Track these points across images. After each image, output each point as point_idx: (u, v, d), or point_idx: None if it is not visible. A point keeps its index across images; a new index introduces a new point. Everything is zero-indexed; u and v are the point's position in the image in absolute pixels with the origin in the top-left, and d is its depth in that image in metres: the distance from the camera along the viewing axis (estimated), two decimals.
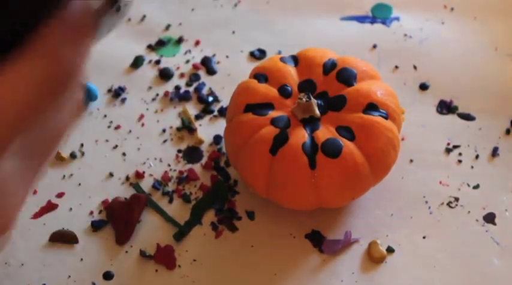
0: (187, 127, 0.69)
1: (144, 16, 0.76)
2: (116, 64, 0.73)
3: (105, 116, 0.70)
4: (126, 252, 0.62)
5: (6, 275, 0.61)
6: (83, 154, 0.68)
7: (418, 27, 0.74)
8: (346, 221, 0.63)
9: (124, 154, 0.68)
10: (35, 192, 0.66)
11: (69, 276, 0.61)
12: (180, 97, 0.71)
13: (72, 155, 0.67)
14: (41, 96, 0.34)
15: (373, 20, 0.75)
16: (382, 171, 0.61)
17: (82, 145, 0.68)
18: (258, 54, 0.73)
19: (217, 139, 0.68)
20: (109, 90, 0.71)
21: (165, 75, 0.72)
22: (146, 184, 0.66)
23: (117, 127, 0.69)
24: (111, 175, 0.66)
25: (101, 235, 0.63)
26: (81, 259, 0.62)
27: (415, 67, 0.72)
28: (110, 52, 0.73)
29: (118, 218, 0.64)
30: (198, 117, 0.69)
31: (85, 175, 0.66)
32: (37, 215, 0.64)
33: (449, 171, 0.66)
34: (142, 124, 0.69)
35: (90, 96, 0.69)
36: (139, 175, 0.66)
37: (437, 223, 0.63)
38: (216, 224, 0.64)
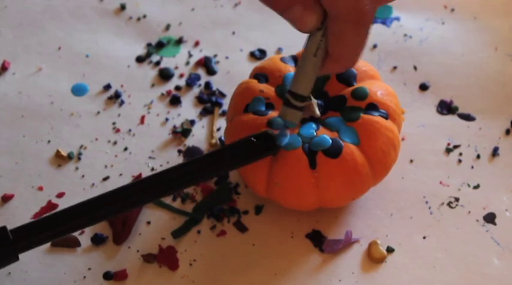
0: (185, 130, 0.68)
1: (144, 16, 0.76)
2: (116, 64, 0.73)
3: (105, 116, 0.70)
4: (126, 252, 0.62)
5: (7, 274, 0.62)
6: (83, 154, 0.68)
7: (418, 27, 0.74)
8: (347, 221, 0.63)
9: (124, 154, 0.68)
10: (40, 189, 0.66)
11: (70, 277, 0.61)
12: (180, 97, 0.71)
13: (73, 156, 0.67)
14: None
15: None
16: (382, 171, 0.61)
17: (82, 145, 0.68)
18: (258, 54, 0.73)
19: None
20: (109, 90, 0.71)
21: (165, 75, 0.72)
22: None
23: (117, 127, 0.69)
24: (111, 175, 0.66)
25: (100, 234, 0.63)
26: (82, 259, 0.62)
27: (415, 67, 0.72)
28: (110, 52, 0.73)
29: (116, 218, 0.64)
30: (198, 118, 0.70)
31: (85, 175, 0.66)
32: (37, 215, 0.64)
33: (449, 171, 0.66)
34: (142, 124, 0.69)
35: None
36: (139, 175, 0.66)
37: (437, 223, 0.63)
38: (216, 224, 0.64)
